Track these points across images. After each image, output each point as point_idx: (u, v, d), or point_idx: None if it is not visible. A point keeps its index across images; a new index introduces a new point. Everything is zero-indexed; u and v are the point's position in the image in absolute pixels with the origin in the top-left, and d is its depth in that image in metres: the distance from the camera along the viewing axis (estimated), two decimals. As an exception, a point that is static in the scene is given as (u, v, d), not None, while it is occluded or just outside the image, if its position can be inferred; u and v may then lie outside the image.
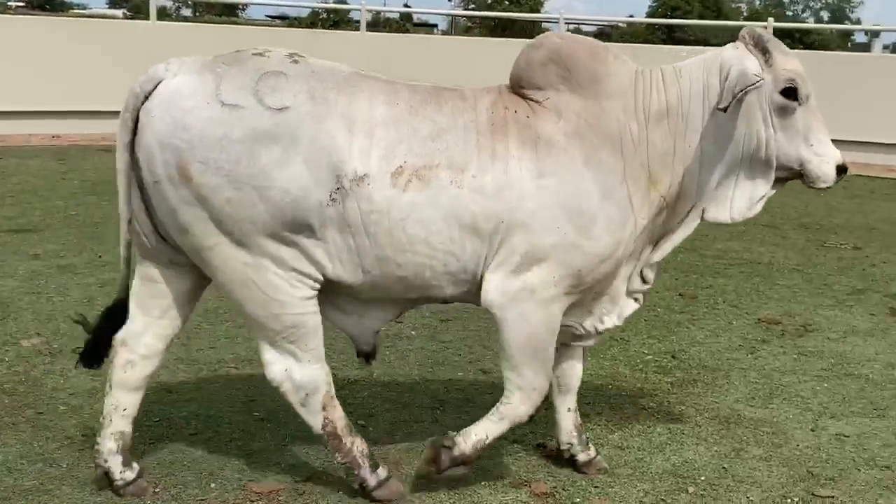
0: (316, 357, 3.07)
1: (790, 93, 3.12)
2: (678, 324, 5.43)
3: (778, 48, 3.17)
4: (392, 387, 4.36)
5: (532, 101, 3.13)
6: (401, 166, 2.94)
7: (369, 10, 15.63)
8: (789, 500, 3.39)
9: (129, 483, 3.21)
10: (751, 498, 3.41)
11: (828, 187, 3.22)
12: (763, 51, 3.14)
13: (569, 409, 3.55)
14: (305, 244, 2.94)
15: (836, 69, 12.13)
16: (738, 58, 3.11)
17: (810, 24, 47.36)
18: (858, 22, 57.80)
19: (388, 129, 2.95)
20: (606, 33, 48.64)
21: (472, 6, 54.23)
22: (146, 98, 2.90)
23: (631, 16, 52.01)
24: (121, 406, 3.17)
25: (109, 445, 3.18)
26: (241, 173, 2.82)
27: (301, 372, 3.06)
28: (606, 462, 3.59)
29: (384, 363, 4.61)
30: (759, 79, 3.05)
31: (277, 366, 3.06)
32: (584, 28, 50.70)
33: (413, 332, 5.12)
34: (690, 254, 7.11)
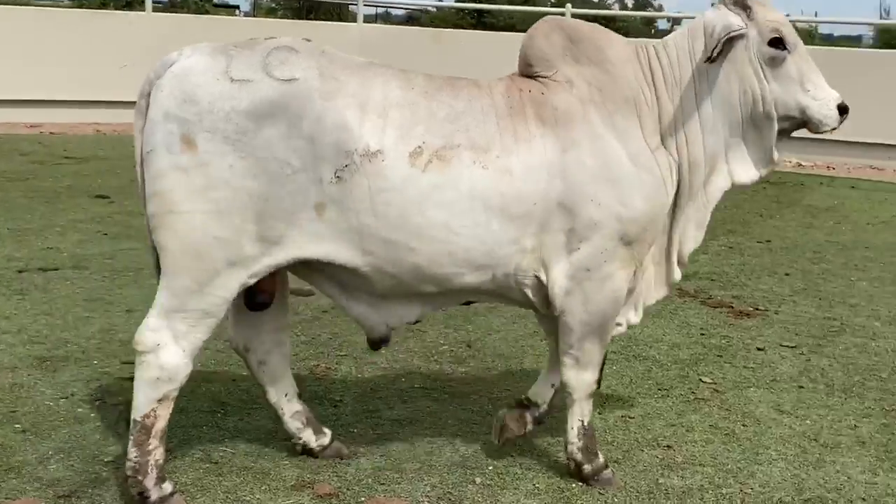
0: (192, 350, 3.05)
1: (777, 42, 3.26)
2: (476, 312, 5.51)
3: (757, 2, 3.29)
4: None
5: (543, 77, 3.24)
6: (419, 146, 2.99)
7: (159, -10, 15.03)
8: (574, 485, 3.49)
9: (327, 447, 3.58)
10: (537, 485, 3.49)
11: (833, 129, 3.34)
12: (743, 7, 3.28)
13: (552, 385, 3.68)
14: (292, 223, 2.97)
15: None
16: (719, 16, 3.24)
17: (608, 11, 49.20)
18: (661, 9, 60.45)
19: (402, 110, 3.02)
20: (416, 17, 48.93)
21: (276, -13, 53.43)
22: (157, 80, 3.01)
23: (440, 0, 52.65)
24: (281, 395, 3.55)
25: (296, 425, 3.57)
26: (246, 143, 2.90)
27: (171, 356, 3.01)
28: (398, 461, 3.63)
29: (164, 366, 4.46)
30: (741, 26, 3.19)
31: (155, 335, 3.00)
32: (393, 11, 50.92)
33: (198, 332, 4.97)
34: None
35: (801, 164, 13.25)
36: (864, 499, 3.52)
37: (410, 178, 2.98)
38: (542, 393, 3.73)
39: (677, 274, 3.51)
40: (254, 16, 41.22)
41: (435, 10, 45.70)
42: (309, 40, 3.14)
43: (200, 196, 2.92)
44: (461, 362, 4.75)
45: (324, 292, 3.31)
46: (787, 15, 12.86)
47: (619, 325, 3.51)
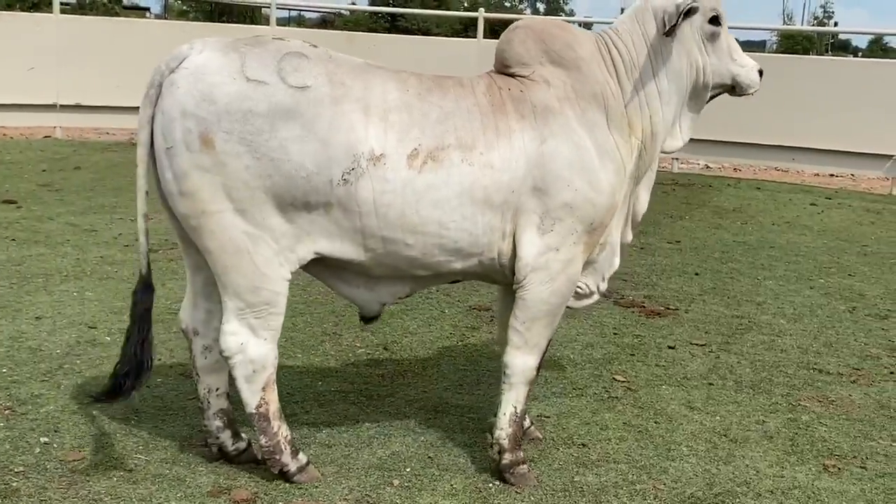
0: (272, 337, 3.24)
1: (715, 20, 3.62)
2: (392, 314, 5.50)
3: None
4: (80, 398, 4.11)
5: (521, 76, 3.47)
6: (416, 148, 3.17)
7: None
8: (491, 485, 3.51)
9: (243, 451, 3.56)
10: (454, 485, 3.50)
11: (754, 91, 3.75)
12: None
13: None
14: (307, 220, 3.14)
15: None
16: (666, 1, 3.53)
17: (518, 15, 49.65)
18: (572, 14, 61.18)
19: (401, 113, 3.19)
20: (329, 20, 48.68)
21: (189, -11, 52.61)
22: (170, 74, 3.07)
23: (353, 3, 52.42)
24: (213, 388, 3.51)
25: (217, 423, 3.52)
26: (261, 144, 3.02)
27: (257, 348, 3.22)
28: (314, 464, 3.56)
29: (73, 373, 4.36)
30: (692, 3, 3.47)
31: (236, 337, 3.21)
32: (307, 14, 50.60)
33: (108, 338, 4.87)
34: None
35: (708, 167, 13.56)
36: (771, 492, 3.61)
37: (408, 180, 3.17)
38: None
39: (629, 236, 3.81)
40: (165, 18, 40.61)
41: (349, 13, 45.68)
42: (316, 46, 3.23)
43: (225, 195, 3.05)
44: (378, 365, 4.74)
45: (316, 276, 3.44)
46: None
47: (592, 294, 3.77)
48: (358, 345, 5.01)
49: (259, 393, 3.29)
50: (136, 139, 3.18)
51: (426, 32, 38.09)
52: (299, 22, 49.96)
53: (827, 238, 8.71)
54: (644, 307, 6.03)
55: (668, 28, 3.50)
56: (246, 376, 3.26)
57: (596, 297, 3.80)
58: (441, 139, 3.22)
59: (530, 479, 3.53)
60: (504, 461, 3.54)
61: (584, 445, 3.92)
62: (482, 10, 13.35)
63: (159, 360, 4.59)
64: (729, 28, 3.71)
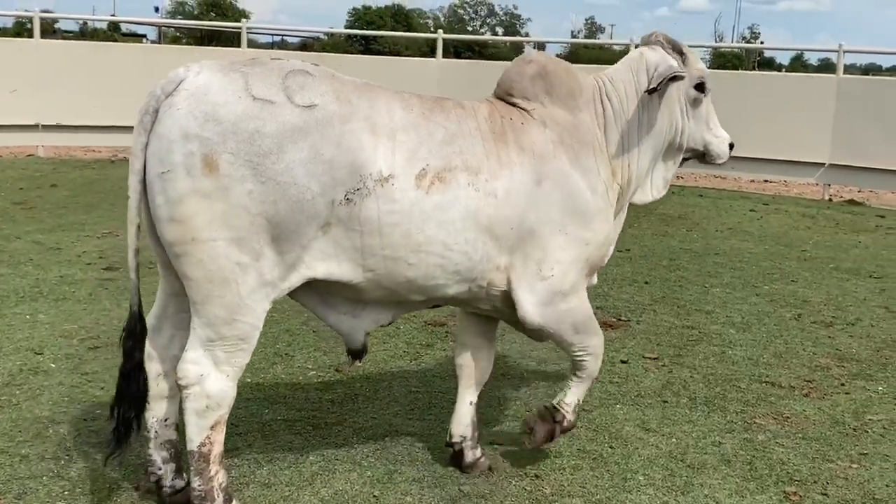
0: (235, 375, 2.81)
1: (700, 86, 3.43)
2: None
3: (689, 51, 3.45)
4: (12, 435, 3.50)
5: (522, 109, 3.20)
6: (423, 169, 2.87)
7: (46, 16, 13.98)
8: (439, 528, 2.95)
9: (178, 492, 3.03)
10: (399, 531, 2.94)
11: (723, 163, 3.56)
12: (679, 52, 3.40)
13: (471, 403, 3.47)
14: (304, 245, 2.74)
15: None
16: (662, 57, 3.34)
17: (480, 37, 49.17)
18: (527, 35, 60.75)
19: (408, 133, 2.88)
20: (309, 45, 48.08)
21: (180, 17, 51.65)
22: (166, 98, 2.69)
23: (331, 27, 51.62)
24: (162, 417, 3.00)
25: (162, 455, 3.02)
26: (268, 167, 2.64)
27: (216, 383, 2.77)
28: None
29: (10, 406, 3.74)
30: (683, 70, 3.32)
31: (197, 367, 2.76)
32: (289, 39, 49.84)
33: (53, 365, 4.25)
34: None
35: (654, 175, 13.06)
36: (733, 527, 3.08)
37: (416, 200, 2.85)
38: (461, 423, 3.47)
39: (594, 280, 3.44)
40: (159, 43, 39.77)
41: (327, 37, 45.06)
42: (317, 65, 2.89)
43: (222, 223, 2.64)
44: (328, 388, 4.16)
45: (300, 302, 3.01)
46: (630, 39, 12.54)
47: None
48: (310, 367, 4.42)
49: (206, 431, 2.79)
50: (127, 160, 2.63)
51: (397, 54, 37.53)
52: (281, 46, 49.36)
53: (768, 244, 8.22)
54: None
55: (651, 87, 3.28)
56: (198, 410, 2.77)
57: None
58: (448, 160, 2.92)
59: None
60: (566, 426, 3.35)
61: (537, 477, 3.36)
62: (441, 31, 12.77)
63: (102, 388, 4.00)
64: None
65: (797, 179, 12.20)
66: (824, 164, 11.45)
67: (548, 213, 3.07)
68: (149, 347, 2.94)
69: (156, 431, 3.00)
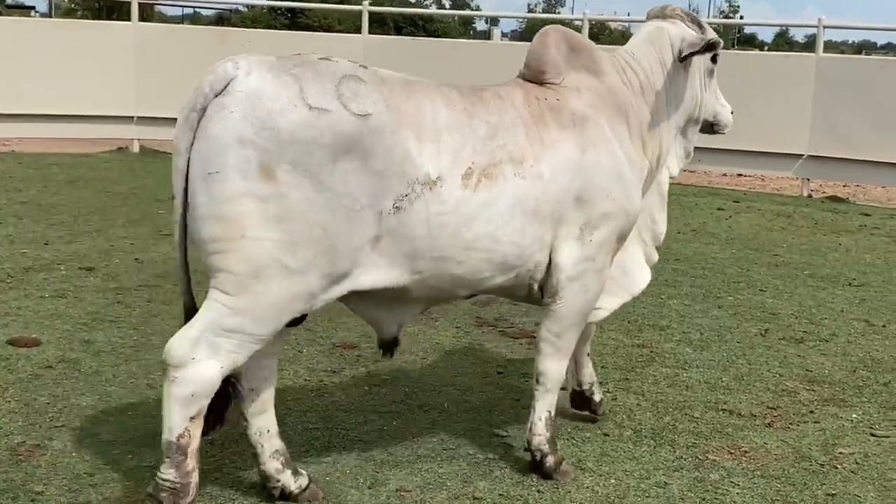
0: (228, 370, 2.95)
1: (716, 59, 3.88)
2: (237, 358, 4.76)
3: (705, 23, 3.86)
4: None
5: (552, 83, 3.54)
6: (469, 167, 3.16)
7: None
8: None
9: (306, 488, 3.35)
10: None
11: (728, 131, 4.06)
12: (699, 25, 3.83)
13: (588, 354, 4.18)
14: (353, 257, 2.98)
15: (460, 56, 12.20)
16: (685, 31, 3.77)
17: (426, 10, 49.01)
18: (478, 9, 60.79)
19: (451, 133, 3.15)
20: (226, 17, 47.51)
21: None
22: (215, 96, 2.87)
23: (252, -1, 51.14)
24: (264, 429, 3.31)
25: (275, 465, 3.32)
26: (325, 178, 2.87)
27: (207, 370, 2.88)
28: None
29: None
30: (720, 41, 3.74)
31: (193, 349, 2.87)
32: (203, 12, 49.31)
33: None
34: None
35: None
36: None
37: (463, 199, 3.14)
38: (588, 373, 4.20)
39: (656, 256, 4.08)
40: (50, 16, 38.93)
41: (246, 9, 44.63)
42: (365, 66, 3.12)
43: (274, 225, 2.85)
44: (212, 426, 3.99)
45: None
46: (583, 13, 12.53)
47: (598, 309, 3.81)
48: (191, 399, 4.25)
49: (186, 421, 2.90)
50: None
51: (328, 29, 37.26)
52: (193, 19, 48.77)
53: (736, 247, 8.23)
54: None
55: (688, 52, 3.69)
56: (183, 397, 2.88)
57: (606, 313, 3.94)
58: (493, 155, 3.23)
59: (571, 473, 3.67)
60: (548, 465, 3.62)
61: (449, 530, 3.25)
62: (367, 2, 12.62)
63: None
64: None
65: (774, 173, 12.30)
66: (802, 155, 11.54)
67: (593, 178, 3.43)
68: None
69: (261, 445, 3.31)
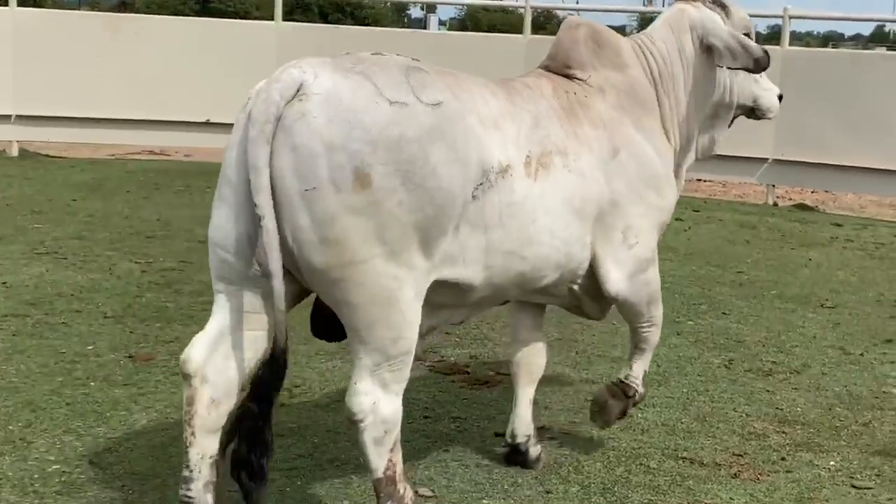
0: (401, 390, 3.17)
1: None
2: (115, 404, 4.46)
3: (730, 2, 4.05)
4: None
5: (579, 80, 3.75)
6: (528, 156, 3.34)
7: None
8: None
9: None
10: None
11: (774, 116, 4.24)
12: (721, 6, 4.00)
13: (530, 401, 4.14)
14: (440, 251, 3.11)
15: (390, 47, 11.91)
16: (706, 15, 3.97)
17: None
18: (413, -4, 60.70)
19: (506, 120, 3.32)
20: (127, 2, 46.84)
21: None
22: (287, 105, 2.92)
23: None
24: (207, 453, 3.13)
25: (208, 499, 3.17)
26: (415, 174, 2.97)
27: (388, 405, 3.12)
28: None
29: None
30: (767, 58, 3.92)
31: (369, 397, 3.08)
32: (102, -4, 48.51)
33: None
34: (162, 292, 6.21)
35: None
36: None
37: (528, 189, 3.32)
38: (525, 423, 4.13)
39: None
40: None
41: (154, -6, 44.07)
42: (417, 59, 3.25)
43: (376, 238, 2.95)
44: (73, 493, 3.69)
45: None
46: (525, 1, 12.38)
47: None
48: (52, 458, 3.94)
49: (387, 455, 3.17)
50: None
51: (245, 15, 36.88)
52: (94, 5, 48.00)
53: (696, 263, 8.11)
54: (468, 374, 5.18)
55: (735, 64, 3.91)
56: (377, 438, 3.13)
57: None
58: (542, 144, 3.40)
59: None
60: (637, 399, 4.15)
61: None
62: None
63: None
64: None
65: (736, 179, 12.26)
66: (767, 159, 11.50)
67: (627, 182, 3.66)
68: (201, 368, 3.05)
69: (199, 470, 3.13)
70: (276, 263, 2.89)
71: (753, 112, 4.19)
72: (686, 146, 4.06)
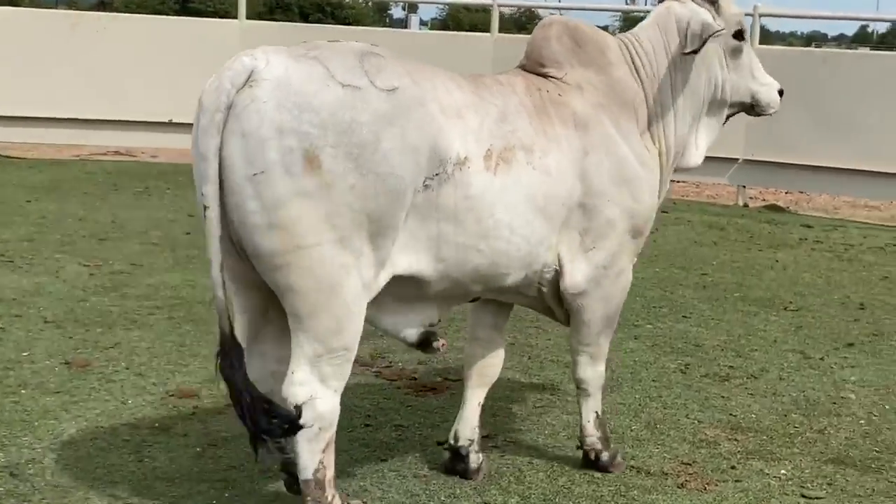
0: (340, 389, 3.16)
1: (740, 35, 3.94)
2: (44, 413, 4.30)
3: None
4: None
5: (554, 77, 3.72)
6: (489, 149, 3.33)
7: None
8: None
9: None
10: None
11: (774, 112, 4.12)
12: (711, 1, 3.89)
13: (479, 404, 4.03)
14: (390, 240, 3.13)
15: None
16: (693, 11, 3.85)
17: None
18: (396, -4, 60.43)
19: (469, 112, 3.32)
20: (107, 2, 46.57)
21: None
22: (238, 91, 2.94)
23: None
24: None
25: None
26: (368, 159, 3.00)
27: (326, 402, 3.11)
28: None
29: None
30: (722, 27, 3.81)
31: (305, 388, 3.08)
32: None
33: None
34: (108, 296, 6.06)
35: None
36: None
37: (486, 182, 3.31)
38: (470, 426, 3.99)
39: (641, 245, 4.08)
40: None
41: (132, -7, 43.81)
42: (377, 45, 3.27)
43: (326, 223, 2.97)
44: None
45: None
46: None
47: None
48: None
49: (319, 455, 3.14)
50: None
51: (224, 15, 36.70)
52: (69, 3, 47.68)
53: (660, 265, 7.98)
54: (415, 380, 5.05)
55: (690, 49, 3.77)
56: (310, 436, 3.10)
57: None
58: (506, 139, 3.39)
59: (624, 464, 4.08)
60: (604, 460, 4.01)
61: None
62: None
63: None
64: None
65: (707, 179, 12.15)
66: (737, 159, 11.40)
67: (597, 183, 3.62)
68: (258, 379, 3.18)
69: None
70: (215, 253, 2.97)
71: (753, 108, 4.10)
72: (677, 147, 3.96)
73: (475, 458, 3.94)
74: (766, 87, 4.05)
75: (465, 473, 3.93)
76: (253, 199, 2.93)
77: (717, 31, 3.77)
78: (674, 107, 3.90)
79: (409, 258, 3.23)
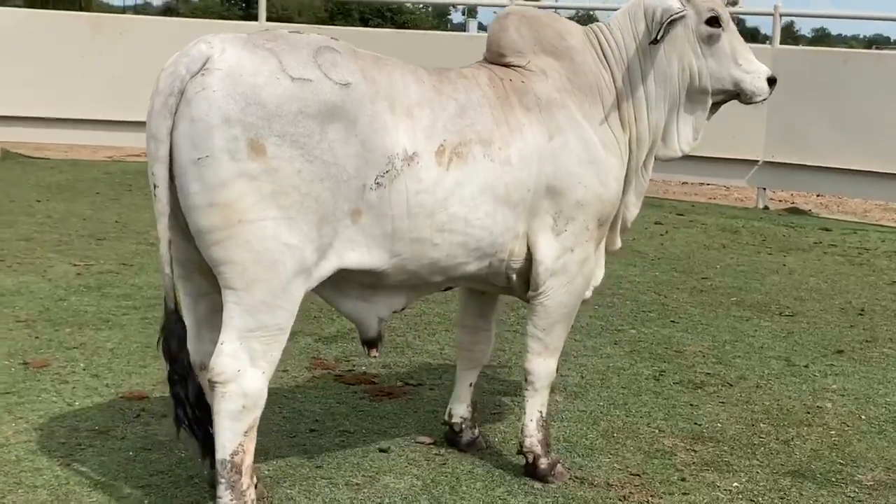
0: (269, 372, 3.15)
1: (714, 21, 3.83)
2: (-9, 413, 4.22)
3: None
4: None
5: (517, 66, 3.73)
6: (441, 145, 3.35)
7: None
8: None
9: None
10: None
11: (763, 100, 3.97)
12: None
13: (470, 384, 4.16)
14: (335, 232, 3.17)
15: (433, 49, 11.66)
16: (662, 2, 3.77)
17: None
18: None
19: (423, 108, 3.34)
20: (173, 7, 47.13)
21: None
22: (192, 77, 3.00)
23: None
24: None
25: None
26: (313, 147, 3.06)
27: (253, 381, 3.09)
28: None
29: None
30: (682, 9, 3.73)
31: (235, 362, 3.07)
32: (154, 2, 48.76)
33: None
34: (89, 295, 5.98)
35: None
36: None
37: (438, 178, 3.32)
38: (462, 404, 4.14)
39: (618, 243, 4.07)
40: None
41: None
42: (336, 39, 3.33)
43: (271, 202, 3.01)
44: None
45: (315, 291, 3.35)
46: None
47: None
48: None
49: (240, 437, 3.10)
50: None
51: (287, 20, 36.95)
52: (136, 9, 48.28)
53: (661, 269, 7.76)
54: (374, 384, 4.88)
55: (653, 38, 3.72)
56: (232, 412, 3.07)
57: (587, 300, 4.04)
58: (462, 134, 3.40)
59: (566, 475, 3.90)
60: (542, 467, 3.85)
61: None
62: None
63: None
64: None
65: (728, 182, 11.88)
66: (757, 161, 11.07)
67: (563, 166, 3.60)
68: (195, 357, 3.28)
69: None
70: (163, 230, 3.08)
71: (739, 97, 3.95)
72: (651, 136, 3.87)
73: (469, 434, 4.13)
74: (752, 75, 3.90)
75: (458, 446, 4.14)
76: (196, 180, 2.99)
77: (674, 14, 3.69)
78: (646, 94, 3.83)
79: (361, 254, 3.26)
